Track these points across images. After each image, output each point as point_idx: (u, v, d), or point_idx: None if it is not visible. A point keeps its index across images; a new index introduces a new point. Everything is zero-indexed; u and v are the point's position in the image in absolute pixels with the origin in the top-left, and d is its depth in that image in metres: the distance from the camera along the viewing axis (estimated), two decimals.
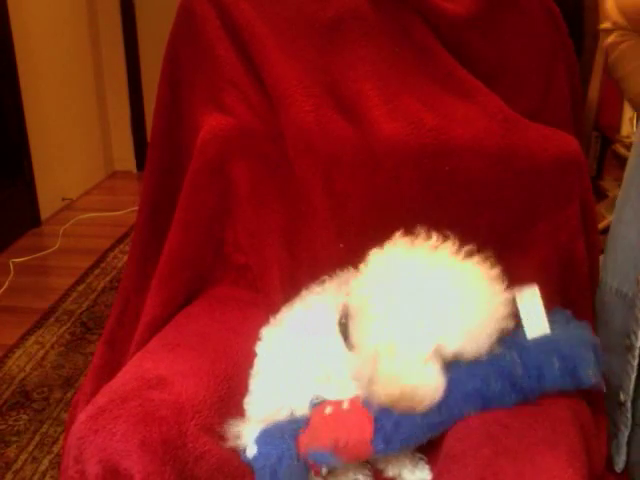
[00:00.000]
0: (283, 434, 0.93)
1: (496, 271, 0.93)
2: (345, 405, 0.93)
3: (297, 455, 0.91)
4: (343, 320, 0.98)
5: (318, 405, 0.95)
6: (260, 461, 0.92)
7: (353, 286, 0.97)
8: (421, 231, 0.96)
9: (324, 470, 0.93)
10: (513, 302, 0.91)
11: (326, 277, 1.10)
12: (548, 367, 0.90)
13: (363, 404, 0.92)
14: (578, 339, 0.93)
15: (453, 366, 0.90)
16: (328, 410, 0.93)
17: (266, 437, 0.93)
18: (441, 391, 0.88)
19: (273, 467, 0.91)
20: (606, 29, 1.30)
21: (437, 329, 0.88)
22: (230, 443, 0.96)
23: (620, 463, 1.12)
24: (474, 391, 0.90)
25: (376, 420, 0.90)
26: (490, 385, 0.90)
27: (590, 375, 0.90)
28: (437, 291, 0.89)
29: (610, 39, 1.30)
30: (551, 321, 0.93)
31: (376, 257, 0.97)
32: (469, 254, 0.93)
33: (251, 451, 0.93)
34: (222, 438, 0.97)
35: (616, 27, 1.28)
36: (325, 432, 0.92)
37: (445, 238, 0.95)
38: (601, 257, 1.26)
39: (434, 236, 0.95)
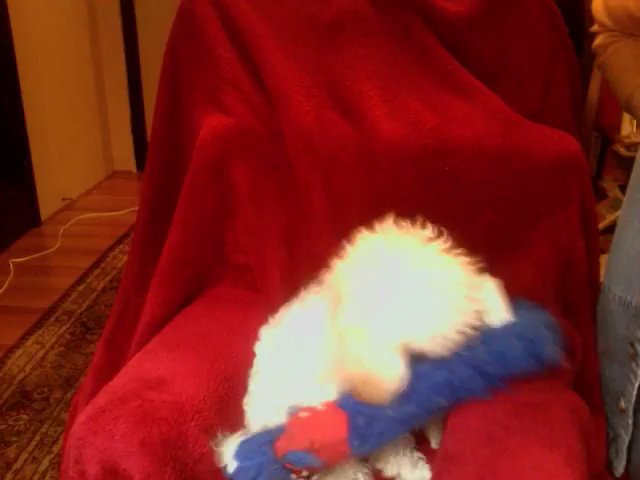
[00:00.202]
0: (260, 445, 0.93)
1: (482, 276, 0.94)
2: (320, 408, 0.94)
3: (276, 461, 0.91)
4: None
5: (294, 412, 0.96)
6: (241, 475, 0.92)
7: (336, 267, 0.97)
8: (418, 220, 0.97)
9: (305, 472, 0.93)
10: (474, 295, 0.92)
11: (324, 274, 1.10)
12: (511, 350, 0.92)
13: (338, 405, 0.93)
14: (537, 321, 0.96)
15: (419, 359, 0.91)
16: (303, 414, 0.95)
17: (244, 451, 0.94)
18: (403, 381, 0.89)
19: (255, 478, 0.91)
20: (595, 31, 1.31)
21: (405, 326, 0.88)
22: (217, 463, 0.96)
23: (619, 468, 1.12)
24: (442, 381, 0.91)
25: (350, 419, 0.91)
26: (457, 374, 0.91)
27: (551, 353, 0.93)
28: (412, 288, 0.89)
29: (598, 41, 1.30)
30: (510, 308, 0.95)
31: (363, 240, 0.97)
32: (458, 255, 0.93)
33: (231, 467, 0.93)
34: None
35: (604, 29, 1.28)
36: (301, 434, 0.92)
37: (439, 233, 0.95)
38: (601, 257, 1.26)
39: (428, 228, 0.95)
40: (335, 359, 0.93)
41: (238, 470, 0.92)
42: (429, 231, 0.95)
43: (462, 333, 0.90)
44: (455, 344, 0.90)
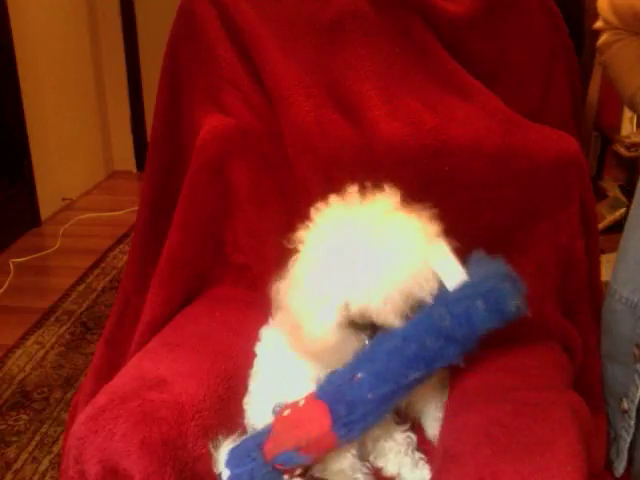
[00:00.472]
0: (249, 451, 0.93)
1: (434, 229, 0.96)
2: (301, 403, 0.95)
3: (266, 465, 0.92)
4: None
5: (279, 410, 0.96)
6: None
7: (300, 234, 1.00)
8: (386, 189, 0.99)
9: (298, 470, 0.93)
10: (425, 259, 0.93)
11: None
12: (474, 310, 0.91)
13: (316, 396, 0.94)
14: (495, 276, 0.94)
15: (386, 337, 0.93)
16: (286, 412, 0.95)
17: (234, 458, 0.94)
18: (324, 337, 0.92)
19: None
20: (599, 28, 1.30)
21: (349, 286, 0.91)
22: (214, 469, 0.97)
23: (620, 468, 1.12)
24: (413, 355, 0.91)
25: (331, 409, 0.91)
26: (427, 346, 0.91)
27: (514, 305, 0.92)
28: (361, 250, 0.91)
29: (603, 38, 1.30)
30: (465, 266, 0.94)
31: (327, 209, 0.99)
32: (415, 220, 0.96)
33: (225, 475, 0.93)
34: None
35: (609, 26, 1.27)
36: (287, 434, 0.93)
37: (400, 195, 0.98)
38: (602, 257, 1.26)
39: (394, 198, 0.98)
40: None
41: (231, 478, 0.92)
42: (393, 200, 0.97)
43: (413, 296, 0.91)
44: (406, 308, 0.91)
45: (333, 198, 1.00)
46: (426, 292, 0.92)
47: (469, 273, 0.93)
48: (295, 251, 0.99)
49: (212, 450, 0.96)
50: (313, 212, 1.00)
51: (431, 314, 0.92)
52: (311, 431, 0.91)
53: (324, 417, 0.91)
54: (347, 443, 0.95)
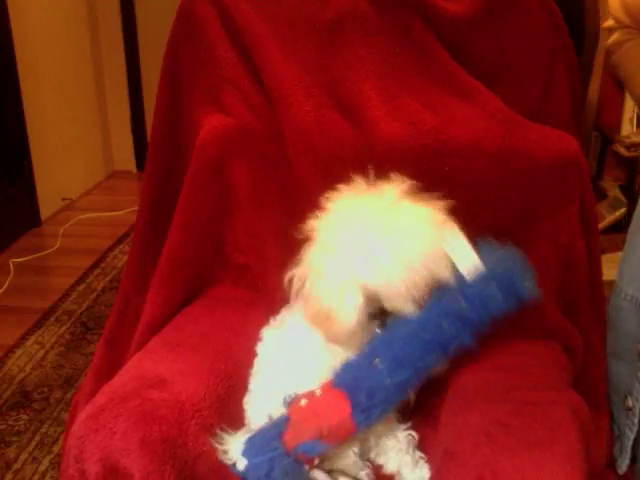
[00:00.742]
0: (268, 440, 0.94)
1: (444, 217, 0.97)
2: (318, 392, 0.95)
3: (287, 455, 0.92)
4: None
5: (292, 401, 0.97)
6: (253, 472, 0.92)
7: (313, 223, 1.01)
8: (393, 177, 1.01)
9: (317, 460, 0.94)
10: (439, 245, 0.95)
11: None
12: (489, 292, 0.93)
13: (334, 386, 0.94)
14: (507, 259, 0.96)
15: (402, 322, 0.94)
16: (303, 402, 0.95)
17: (252, 447, 0.94)
18: (355, 320, 0.94)
19: (269, 474, 0.91)
20: (609, 27, 1.30)
21: (365, 267, 0.92)
22: (220, 459, 0.97)
23: (623, 466, 1.12)
24: (430, 339, 0.93)
25: (350, 396, 0.92)
26: (443, 329, 0.92)
27: (528, 287, 0.94)
28: (377, 235, 0.93)
29: (613, 37, 1.29)
30: (477, 251, 0.96)
31: (336, 200, 1.01)
32: (427, 205, 0.97)
33: (241, 464, 0.93)
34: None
35: (620, 25, 1.27)
36: (307, 424, 0.93)
37: (408, 184, 0.99)
38: (603, 257, 1.26)
39: (401, 184, 0.99)
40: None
41: (249, 467, 0.92)
42: (403, 188, 0.98)
43: (430, 278, 0.92)
44: (424, 290, 0.92)
45: (342, 187, 1.01)
46: (443, 275, 0.93)
47: (481, 257, 0.95)
48: (304, 241, 1.00)
49: (218, 443, 0.96)
50: (324, 200, 1.01)
51: (446, 297, 0.93)
52: (332, 419, 0.92)
53: (343, 404, 0.92)
54: (363, 430, 0.95)
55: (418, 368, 0.93)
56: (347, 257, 0.94)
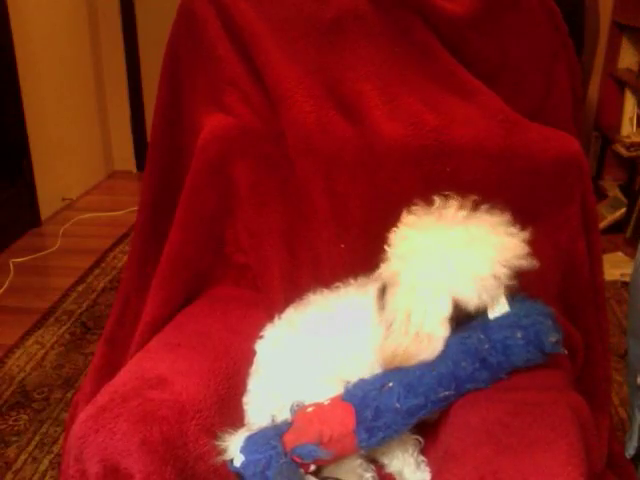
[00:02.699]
0: (268, 439, 0.94)
1: (505, 217, 1.00)
2: (326, 403, 0.96)
3: (284, 454, 0.92)
4: (380, 290, 1.03)
5: (299, 409, 0.97)
6: (250, 468, 0.92)
7: (383, 266, 1.02)
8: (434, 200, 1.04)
9: (312, 467, 0.94)
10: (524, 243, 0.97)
11: (340, 284, 1.14)
12: (512, 340, 0.94)
13: (343, 399, 0.95)
14: (535, 311, 0.97)
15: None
16: (310, 409, 0.96)
17: (251, 445, 0.94)
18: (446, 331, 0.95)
19: (264, 471, 0.91)
20: None
21: (451, 284, 0.94)
22: (220, 458, 0.97)
23: (630, 449, 1.12)
24: (447, 373, 0.94)
25: (357, 411, 0.93)
26: (461, 365, 0.94)
27: (552, 341, 0.94)
28: (448, 253, 0.95)
29: None
30: (508, 300, 0.97)
31: (395, 237, 1.02)
32: (475, 209, 1.00)
33: (238, 460, 0.93)
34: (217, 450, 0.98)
35: None
36: (309, 428, 0.94)
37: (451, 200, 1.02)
38: (603, 257, 1.25)
39: (439, 201, 1.02)
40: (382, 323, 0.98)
41: (246, 464, 0.93)
42: (467, 205, 1.01)
43: (505, 275, 0.94)
44: (500, 291, 0.94)
45: (405, 217, 1.04)
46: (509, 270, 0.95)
47: (511, 306, 0.96)
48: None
49: (219, 440, 0.96)
50: (404, 215, 1.03)
51: (470, 337, 0.95)
52: (334, 428, 0.93)
53: (349, 417, 0.93)
54: (366, 449, 0.96)
55: (429, 399, 0.93)
56: (435, 269, 0.95)
